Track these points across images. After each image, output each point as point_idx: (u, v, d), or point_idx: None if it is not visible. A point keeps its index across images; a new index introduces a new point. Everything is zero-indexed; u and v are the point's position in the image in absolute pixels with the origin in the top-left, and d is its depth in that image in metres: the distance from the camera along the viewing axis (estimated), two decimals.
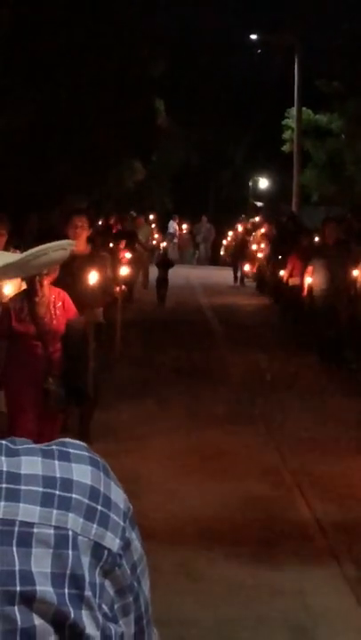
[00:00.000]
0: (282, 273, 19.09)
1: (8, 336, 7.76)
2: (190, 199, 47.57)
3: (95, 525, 1.21)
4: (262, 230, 29.50)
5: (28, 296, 7.79)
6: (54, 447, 1.25)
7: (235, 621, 5.66)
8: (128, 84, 20.95)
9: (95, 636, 1.18)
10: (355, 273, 14.50)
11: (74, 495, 1.20)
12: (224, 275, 31.79)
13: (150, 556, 1.34)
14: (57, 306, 7.86)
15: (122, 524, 1.25)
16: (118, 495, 1.26)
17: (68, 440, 1.28)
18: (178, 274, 25.94)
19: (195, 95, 45.56)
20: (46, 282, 7.81)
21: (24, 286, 8.02)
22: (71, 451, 1.25)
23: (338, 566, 6.61)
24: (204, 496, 8.05)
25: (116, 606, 1.24)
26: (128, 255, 21.30)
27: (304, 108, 32.36)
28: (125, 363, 13.89)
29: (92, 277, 9.14)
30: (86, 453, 1.26)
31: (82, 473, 1.23)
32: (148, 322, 19.35)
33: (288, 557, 6.75)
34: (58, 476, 1.21)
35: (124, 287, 16.58)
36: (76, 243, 7.73)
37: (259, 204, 47.37)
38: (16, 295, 7.99)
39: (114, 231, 22.04)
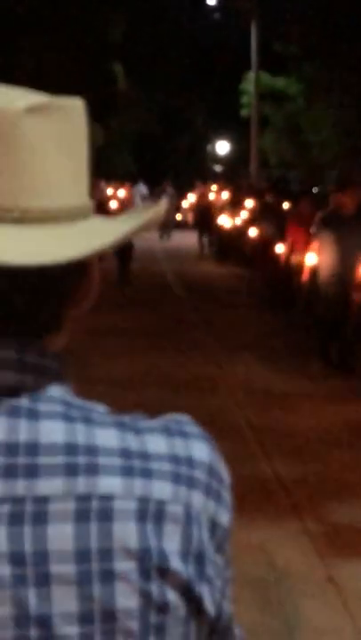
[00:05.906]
0: (280, 248, 15.31)
1: None
2: (150, 164, 47.39)
3: (213, 502, 1.26)
4: (224, 195, 29.21)
5: None
6: (172, 425, 1.29)
7: None
8: (87, 48, 20.81)
9: (211, 613, 1.24)
10: None
11: (196, 473, 1.25)
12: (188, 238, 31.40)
13: None
14: None
15: (229, 498, 1.30)
16: (225, 470, 1.31)
17: (178, 416, 1.32)
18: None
19: (154, 60, 45.28)
20: None
21: None
22: (187, 428, 1.29)
23: (300, 522, 6.71)
24: None
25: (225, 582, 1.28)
26: None
27: (262, 72, 32.25)
28: None
29: None
30: (199, 430, 1.31)
31: (200, 450, 1.27)
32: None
33: (250, 514, 6.81)
34: (181, 454, 1.25)
35: None
36: None
37: (218, 168, 47.33)
38: None
39: None
